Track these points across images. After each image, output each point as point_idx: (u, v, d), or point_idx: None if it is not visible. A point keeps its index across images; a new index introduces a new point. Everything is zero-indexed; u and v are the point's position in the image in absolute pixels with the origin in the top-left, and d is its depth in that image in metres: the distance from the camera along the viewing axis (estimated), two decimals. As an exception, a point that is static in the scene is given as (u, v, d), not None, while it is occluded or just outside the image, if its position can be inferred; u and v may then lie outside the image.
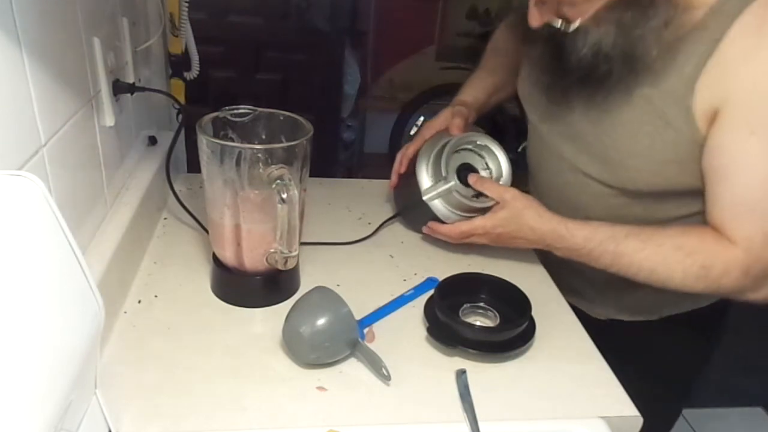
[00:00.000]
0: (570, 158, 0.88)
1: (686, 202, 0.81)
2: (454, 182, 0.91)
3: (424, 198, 0.92)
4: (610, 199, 0.85)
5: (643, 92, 0.76)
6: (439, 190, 0.92)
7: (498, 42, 1.12)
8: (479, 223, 0.87)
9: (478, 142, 0.94)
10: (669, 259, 0.76)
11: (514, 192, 0.87)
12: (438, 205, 0.93)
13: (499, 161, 0.95)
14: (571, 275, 0.95)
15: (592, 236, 0.80)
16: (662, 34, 0.71)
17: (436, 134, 0.98)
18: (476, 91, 1.07)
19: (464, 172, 0.93)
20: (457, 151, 0.94)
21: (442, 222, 0.93)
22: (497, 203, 0.88)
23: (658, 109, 0.75)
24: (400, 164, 1.00)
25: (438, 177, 0.92)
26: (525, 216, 0.85)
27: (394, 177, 1.02)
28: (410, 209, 1.02)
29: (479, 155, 0.95)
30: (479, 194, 0.92)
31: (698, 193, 0.78)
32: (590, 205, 0.87)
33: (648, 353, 0.97)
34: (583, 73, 0.77)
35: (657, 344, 0.97)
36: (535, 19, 0.76)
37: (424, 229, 0.95)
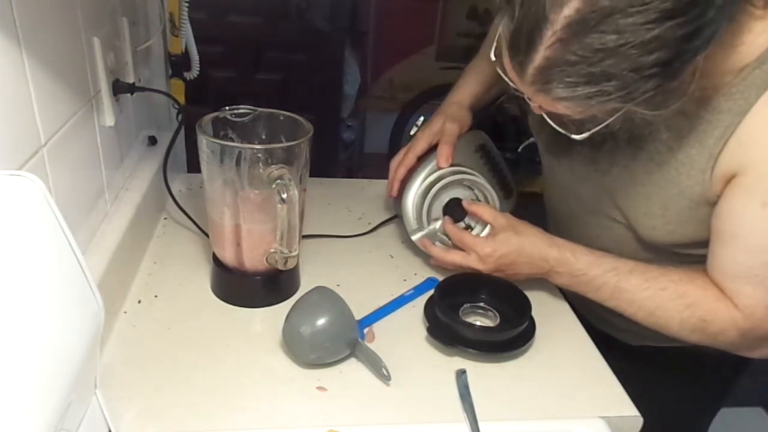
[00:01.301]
0: (590, 201, 0.83)
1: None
2: (440, 223, 0.89)
3: (412, 238, 0.90)
4: (635, 244, 0.80)
5: (652, 161, 0.73)
6: (426, 231, 0.89)
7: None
8: (477, 247, 0.83)
9: (464, 183, 0.91)
10: (669, 305, 0.74)
11: (509, 216, 0.85)
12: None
13: (486, 196, 0.91)
14: (600, 308, 0.91)
15: (597, 263, 0.78)
16: (674, 119, 0.68)
17: (428, 154, 0.93)
18: (473, 85, 1.02)
19: (453, 207, 0.91)
20: (444, 187, 0.90)
21: None
22: (492, 229, 0.85)
23: (673, 176, 0.72)
24: (392, 188, 0.96)
25: (423, 218, 0.90)
26: (524, 237, 0.82)
27: (388, 193, 0.98)
28: None
29: (469, 188, 0.92)
30: (466, 229, 0.90)
31: None
32: (613, 250, 0.81)
33: (678, 377, 0.94)
34: (585, 145, 0.73)
35: (687, 369, 0.93)
36: (537, 110, 0.69)
37: (418, 243, 0.91)
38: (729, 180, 0.68)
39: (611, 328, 0.95)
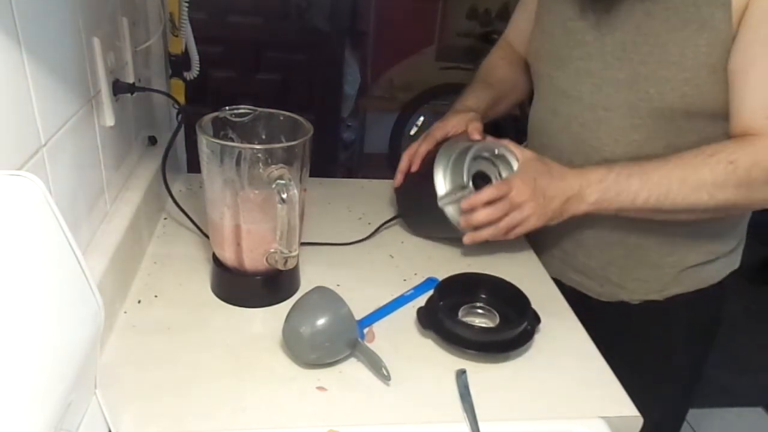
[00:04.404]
0: (588, 96, 0.88)
1: (711, 131, 0.81)
2: (468, 191, 0.89)
3: (440, 204, 0.90)
4: (631, 134, 0.85)
5: (668, 9, 0.77)
6: (457, 196, 0.89)
7: (491, 63, 1.12)
8: (512, 182, 0.83)
9: (496, 152, 0.92)
10: (693, 163, 0.76)
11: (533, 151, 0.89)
12: (451, 211, 0.91)
13: (514, 170, 0.91)
14: (575, 251, 0.96)
15: (611, 165, 0.81)
16: None
17: (451, 138, 0.96)
18: (478, 99, 1.05)
19: (478, 180, 0.91)
20: (474, 159, 0.91)
21: (454, 227, 0.91)
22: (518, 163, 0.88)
23: (692, 12, 0.76)
24: (411, 163, 0.97)
25: (456, 184, 0.90)
26: (550, 164, 0.86)
27: (399, 176, 0.99)
28: (416, 212, 1.01)
29: (493, 164, 0.93)
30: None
31: (722, 118, 0.79)
32: (608, 144, 0.87)
33: (654, 336, 0.97)
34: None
35: (663, 327, 0.97)
36: None
37: (464, 232, 0.89)
38: (743, 13, 0.73)
39: (588, 282, 0.98)
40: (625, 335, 0.94)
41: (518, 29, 1.09)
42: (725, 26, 0.75)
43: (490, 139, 0.93)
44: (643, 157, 0.82)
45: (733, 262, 0.96)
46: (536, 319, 0.78)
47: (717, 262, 0.93)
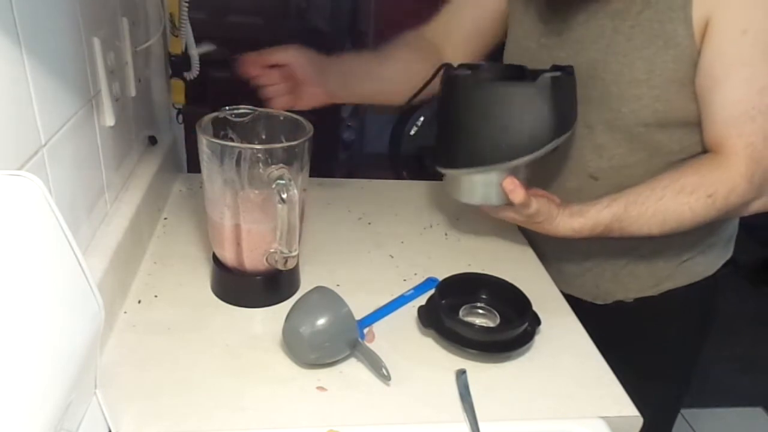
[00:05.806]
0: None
1: (689, 138, 0.82)
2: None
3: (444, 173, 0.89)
4: (613, 148, 0.86)
5: (639, 13, 0.78)
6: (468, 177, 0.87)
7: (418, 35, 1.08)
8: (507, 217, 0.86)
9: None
10: (673, 205, 0.78)
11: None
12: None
13: None
14: (570, 255, 0.97)
15: (595, 226, 0.81)
16: None
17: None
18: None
19: None
20: None
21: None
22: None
23: (656, 29, 0.77)
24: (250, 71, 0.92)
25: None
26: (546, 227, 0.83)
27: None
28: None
29: None
30: None
31: (696, 125, 0.81)
32: (593, 160, 0.88)
33: (650, 333, 0.99)
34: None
35: (659, 322, 0.98)
36: None
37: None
38: (705, 30, 0.74)
39: (580, 280, 0.99)
40: (621, 335, 0.95)
41: (446, 25, 1.07)
42: (688, 42, 0.75)
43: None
44: (630, 172, 0.85)
45: (727, 252, 0.97)
46: (537, 321, 0.78)
47: (711, 252, 0.94)
